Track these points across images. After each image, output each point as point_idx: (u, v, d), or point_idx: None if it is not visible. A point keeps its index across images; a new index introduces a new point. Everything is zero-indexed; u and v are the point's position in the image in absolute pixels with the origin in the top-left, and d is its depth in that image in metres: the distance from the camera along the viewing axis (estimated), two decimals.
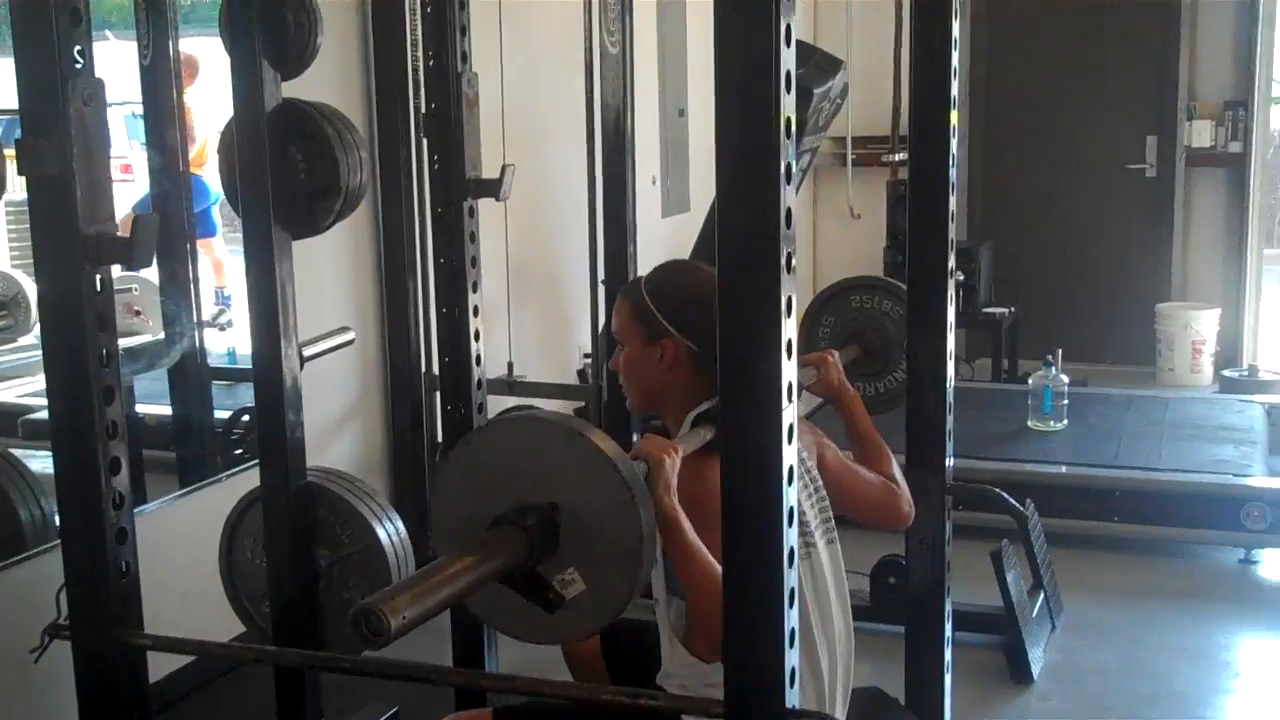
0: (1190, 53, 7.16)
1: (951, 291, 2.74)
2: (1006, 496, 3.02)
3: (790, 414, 1.64)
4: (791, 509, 1.66)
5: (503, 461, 1.79)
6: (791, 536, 1.67)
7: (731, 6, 1.55)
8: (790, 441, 1.64)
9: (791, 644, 1.70)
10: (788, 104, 1.58)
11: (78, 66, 1.99)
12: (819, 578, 2.26)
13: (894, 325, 3.13)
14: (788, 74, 1.58)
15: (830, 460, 2.45)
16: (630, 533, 1.72)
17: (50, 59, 1.96)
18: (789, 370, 1.62)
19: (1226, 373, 6.78)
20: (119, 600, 2.11)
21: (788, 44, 1.58)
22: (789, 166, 1.59)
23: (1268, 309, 7.49)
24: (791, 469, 1.65)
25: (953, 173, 2.69)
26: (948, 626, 2.87)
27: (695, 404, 2.22)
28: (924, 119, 2.71)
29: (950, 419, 2.76)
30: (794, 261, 1.62)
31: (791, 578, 1.68)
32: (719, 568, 1.90)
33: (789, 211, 1.60)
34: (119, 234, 2.03)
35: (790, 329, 1.62)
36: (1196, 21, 7.15)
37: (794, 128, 1.60)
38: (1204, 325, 7.02)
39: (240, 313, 4.20)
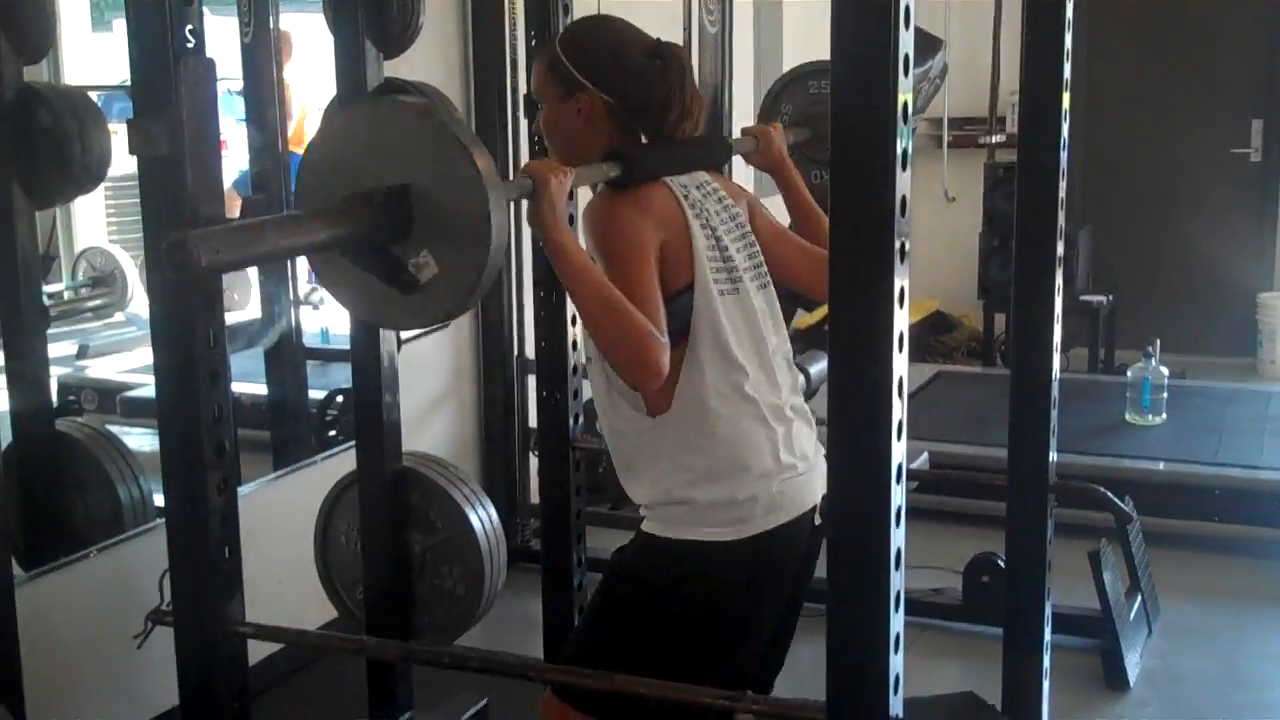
0: None
1: (1060, 281, 2.68)
2: (1111, 496, 2.96)
3: (900, 409, 1.60)
4: (900, 508, 1.63)
5: (362, 144, 1.85)
6: (899, 537, 1.63)
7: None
8: (900, 438, 1.60)
9: (896, 650, 1.67)
10: (905, 87, 1.53)
11: (189, 46, 1.99)
12: (749, 315, 2.24)
13: None
14: (906, 57, 1.53)
15: (763, 225, 2.41)
16: (478, 211, 1.75)
17: (162, 38, 1.97)
18: (900, 363, 1.58)
19: None
20: (222, 587, 2.12)
21: (906, 26, 1.53)
22: (905, 151, 1.55)
23: None
24: (900, 467, 1.62)
25: (1063, 157, 2.64)
26: (1048, 631, 2.82)
27: None
28: (1035, 103, 2.66)
29: (1055, 415, 2.71)
30: (908, 249, 1.57)
31: (898, 580, 1.65)
32: (615, 291, 1.96)
33: (904, 199, 1.55)
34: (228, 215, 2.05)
35: (903, 320, 1.58)
36: None
37: (910, 112, 1.56)
38: None
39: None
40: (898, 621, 1.65)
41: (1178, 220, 7.39)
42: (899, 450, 1.61)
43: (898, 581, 1.64)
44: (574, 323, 2.96)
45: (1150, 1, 7.36)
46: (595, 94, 2.23)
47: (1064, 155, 2.66)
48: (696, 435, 2.14)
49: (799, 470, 2.22)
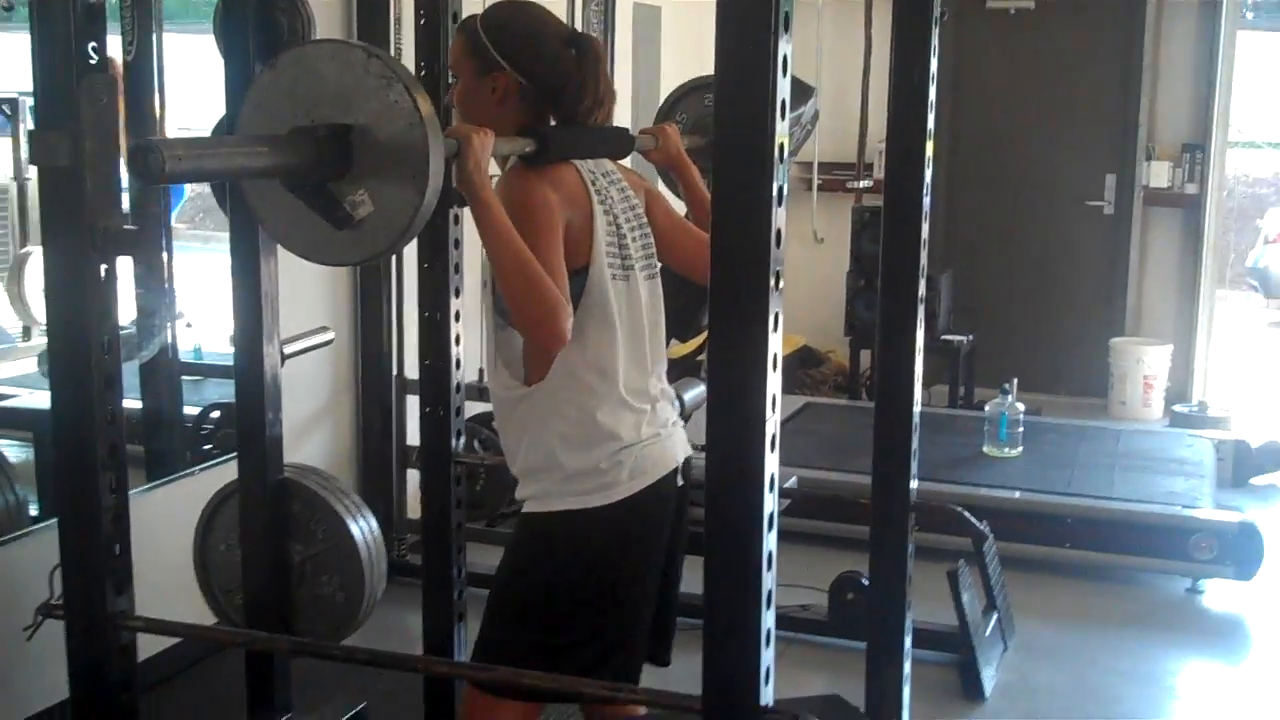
0: (1151, 96, 7.33)
1: (920, 318, 2.83)
2: (969, 516, 3.11)
3: (774, 425, 1.72)
4: (772, 514, 1.74)
5: (308, 83, 1.91)
6: (771, 541, 1.75)
7: (731, 33, 1.63)
8: (773, 450, 1.72)
9: (768, 644, 1.78)
10: (781, 130, 1.66)
11: (92, 62, 2.05)
12: (634, 303, 2.38)
13: None
14: (783, 103, 1.66)
15: (660, 213, 2.55)
16: (417, 155, 1.84)
17: (66, 54, 2.02)
18: (773, 382, 1.69)
19: (1177, 408, 6.93)
20: (113, 582, 2.16)
21: (784, 74, 1.66)
22: (781, 189, 1.67)
23: (1218, 347, 7.67)
24: (773, 477, 1.73)
25: (926, 203, 2.79)
26: (908, 641, 2.95)
27: None
28: (901, 150, 2.80)
29: (915, 441, 2.85)
30: (781, 281, 1.69)
31: (770, 580, 1.76)
32: (531, 255, 2.10)
33: (779, 232, 1.68)
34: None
35: (776, 343, 1.70)
36: (1158, 66, 7.32)
37: (785, 154, 1.68)
38: (1156, 361, 7.16)
39: (198, 312, 4.24)
40: (769, 618, 1.76)
41: (1036, 267, 7.69)
42: (772, 461, 1.72)
43: (769, 581, 1.75)
44: (457, 342, 3.04)
45: (1013, 60, 7.66)
46: (511, 74, 2.33)
47: (927, 200, 2.81)
48: (566, 405, 2.28)
49: (660, 436, 2.37)
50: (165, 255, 4.05)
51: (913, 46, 2.74)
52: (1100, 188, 7.53)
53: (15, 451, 3.66)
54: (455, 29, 2.46)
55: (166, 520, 3.36)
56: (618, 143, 2.51)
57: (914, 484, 2.87)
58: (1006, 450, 5.39)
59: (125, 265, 3.95)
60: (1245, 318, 11.97)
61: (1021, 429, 5.42)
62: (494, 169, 2.27)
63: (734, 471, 1.71)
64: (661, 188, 2.83)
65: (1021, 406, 5.48)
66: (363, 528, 3.02)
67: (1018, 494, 5.00)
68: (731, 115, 1.65)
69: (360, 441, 4.65)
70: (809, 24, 7.15)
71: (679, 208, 2.71)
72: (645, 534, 2.34)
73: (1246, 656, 4.31)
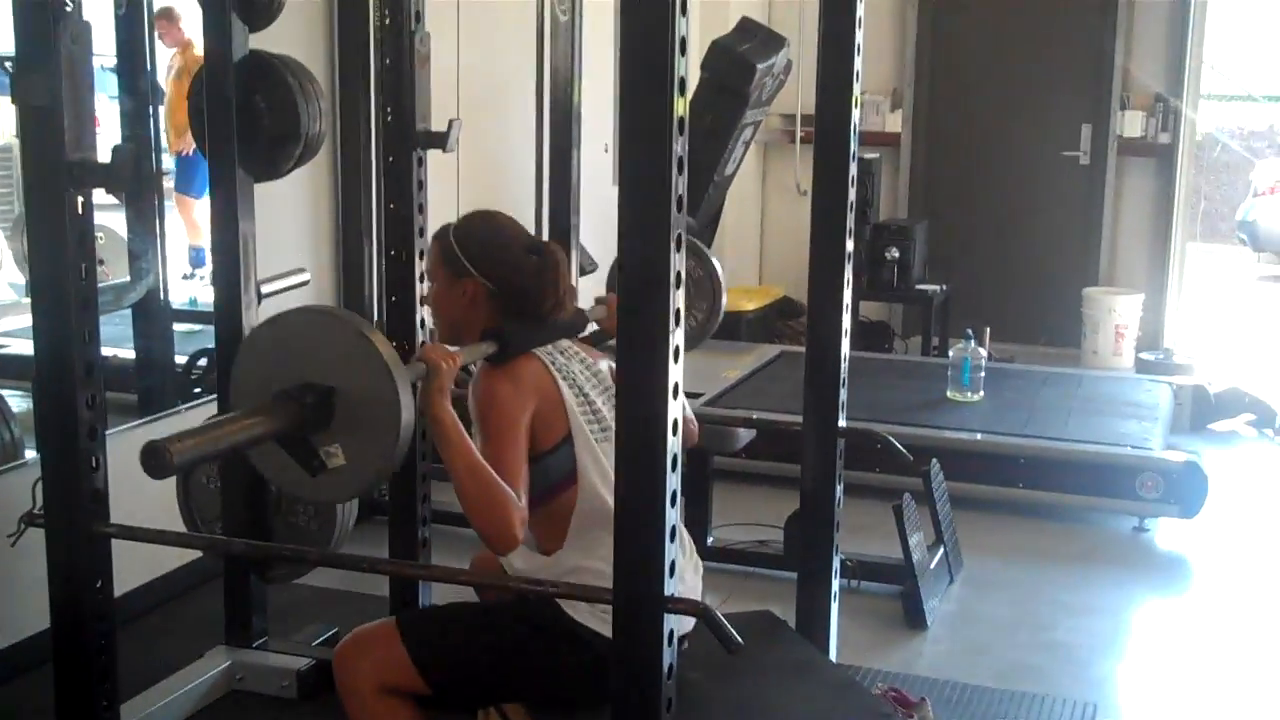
0: (1125, 45, 7.46)
1: (849, 255, 3.01)
2: (894, 442, 3.27)
3: (677, 337, 1.90)
4: (676, 421, 1.93)
5: (297, 345, 2.15)
6: (675, 445, 1.94)
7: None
8: (677, 361, 1.91)
9: (673, 539, 1.97)
10: (680, 104, 1.84)
11: (68, 9, 2.23)
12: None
13: (693, 283, 3.76)
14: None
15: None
16: (390, 427, 2.08)
17: (44, 1, 2.21)
18: (675, 298, 1.88)
19: (1143, 355, 7.12)
20: (89, 492, 2.36)
21: (682, 52, 1.83)
22: (681, 159, 1.85)
23: (1190, 297, 7.85)
24: (676, 385, 1.92)
25: (853, 145, 2.96)
26: (835, 560, 3.13)
27: None
28: (829, 96, 2.98)
29: (844, 369, 3.03)
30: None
31: (674, 481, 1.94)
32: (485, 465, 2.29)
33: (681, 199, 1.87)
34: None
35: (679, 262, 1.89)
36: (1133, 16, 7.45)
37: (685, 124, 1.86)
38: (1127, 310, 7.32)
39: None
40: (673, 515, 1.95)
41: (1012, 217, 7.84)
42: (676, 371, 1.91)
43: (673, 482, 1.94)
44: (421, 279, 3.20)
45: (990, 13, 7.79)
46: (480, 281, 2.57)
47: (854, 144, 2.97)
48: (592, 561, 2.42)
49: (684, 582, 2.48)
50: (155, 204, 4.27)
51: None
52: (1076, 138, 7.66)
53: (16, 401, 3.85)
54: (433, 237, 2.68)
55: None
56: (571, 326, 2.72)
57: (843, 398, 3.04)
58: (969, 395, 5.56)
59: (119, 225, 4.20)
60: (1234, 271, 12.12)
61: (983, 374, 5.59)
62: None
63: (641, 381, 1.90)
64: None
65: (984, 352, 5.66)
66: None
67: (977, 435, 5.17)
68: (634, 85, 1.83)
69: None
70: None
71: None
72: None
73: (1188, 590, 4.49)
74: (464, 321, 2.58)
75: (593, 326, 2.87)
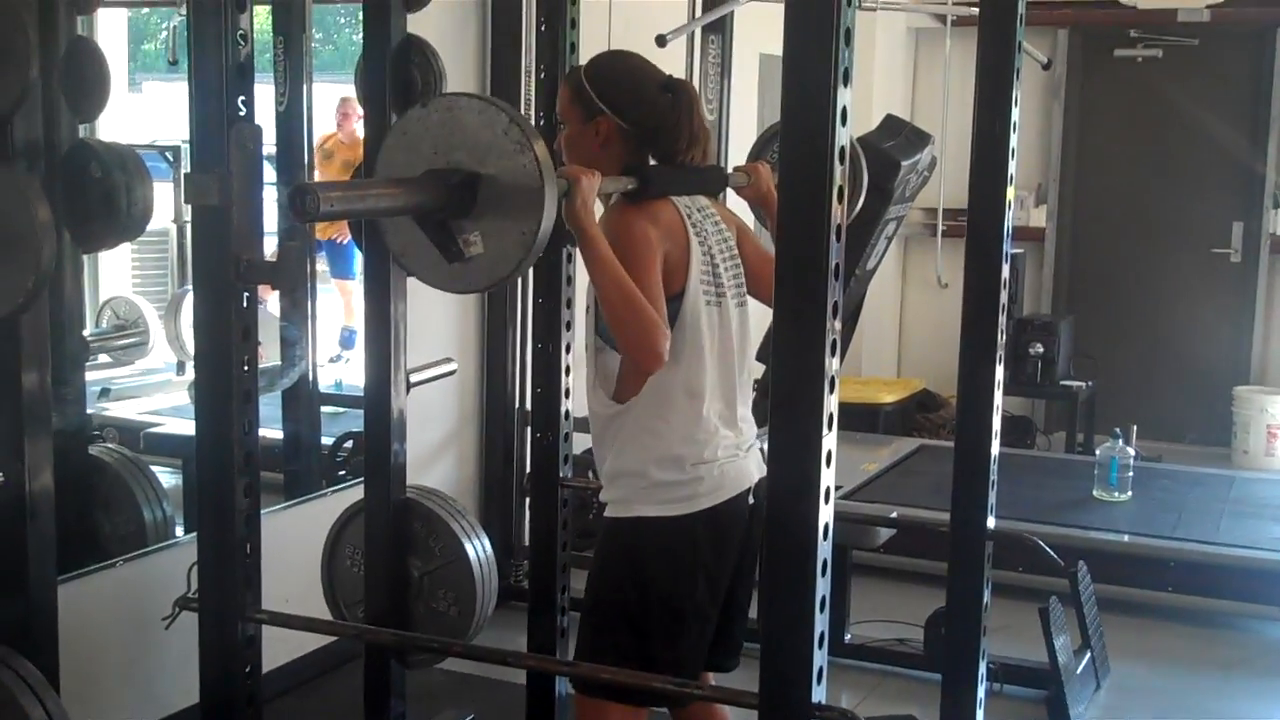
0: (1279, 143, 7.31)
1: (1000, 355, 2.98)
2: (1044, 546, 3.21)
3: (830, 441, 1.90)
4: (828, 525, 1.92)
5: (451, 128, 2.16)
6: (826, 550, 1.92)
7: (794, 84, 1.83)
8: (829, 465, 1.90)
9: (821, 646, 1.95)
10: (840, 174, 1.85)
11: (241, 114, 2.33)
12: (725, 327, 2.59)
13: None
14: (842, 149, 1.85)
15: (749, 248, 2.76)
16: (532, 214, 2.09)
17: (219, 106, 2.31)
18: (830, 402, 1.88)
19: None
20: (244, 578, 2.42)
21: (843, 122, 1.85)
22: (839, 226, 1.86)
23: None
24: (829, 489, 1.91)
25: (1006, 247, 2.93)
26: (982, 665, 3.06)
27: None
28: (983, 197, 2.97)
29: (994, 471, 2.99)
30: (838, 310, 1.88)
31: (824, 586, 1.93)
32: (632, 283, 2.33)
33: (837, 265, 1.87)
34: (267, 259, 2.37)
35: (834, 366, 1.88)
36: None
37: (845, 194, 1.87)
38: None
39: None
40: (822, 621, 1.94)
41: (1159, 313, 7.69)
42: (828, 475, 1.90)
43: (823, 586, 1.93)
44: (567, 372, 3.26)
45: (1139, 107, 7.70)
46: (612, 118, 2.56)
47: (1007, 245, 2.95)
48: (655, 420, 2.49)
49: (738, 456, 2.57)
50: (309, 291, 4.39)
51: (994, 96, 2.91)
52: (1227, 235, 7.51)
53: (166, 477, 3.96)
54: (563, 78, 2.69)
55: (299, 537, 3.61)
56: (713, 180, 2.73)
57: (991, 518, 3.00)
58: (1116, 494, 5.43)
59: (274, 305, 4.33)
60: None
61: (1132, 474, 5.45)
62: (599, 206, 2.51)
63: (793, 482, 1.90)
64: (753, 223, 3.02)
65: (1132, 451, 5.52)
66: (477, 547, 3.25)
67: (1124, 537, 5.03)
68: (795, 159, 1.85)
69: (483, 468, 4.89)
70: (936, 69, 7.26)
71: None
72: (719, 544, 2.53)
73: None
74: (598, 161, 2.52)
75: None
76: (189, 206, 2.43)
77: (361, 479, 3.25)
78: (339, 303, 5.28)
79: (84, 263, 4.04)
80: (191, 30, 2.38)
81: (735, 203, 3.16)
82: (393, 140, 2.24)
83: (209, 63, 2.32)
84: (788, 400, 1.89)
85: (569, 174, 2.34)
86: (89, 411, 4.17)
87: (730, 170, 2.89)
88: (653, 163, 2.61)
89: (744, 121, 5.87)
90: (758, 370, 2.61)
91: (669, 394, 2.49)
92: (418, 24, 3.09)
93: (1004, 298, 2.95)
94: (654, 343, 2.35)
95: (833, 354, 1.88)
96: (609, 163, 2.55)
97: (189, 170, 2.37)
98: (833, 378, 1.88)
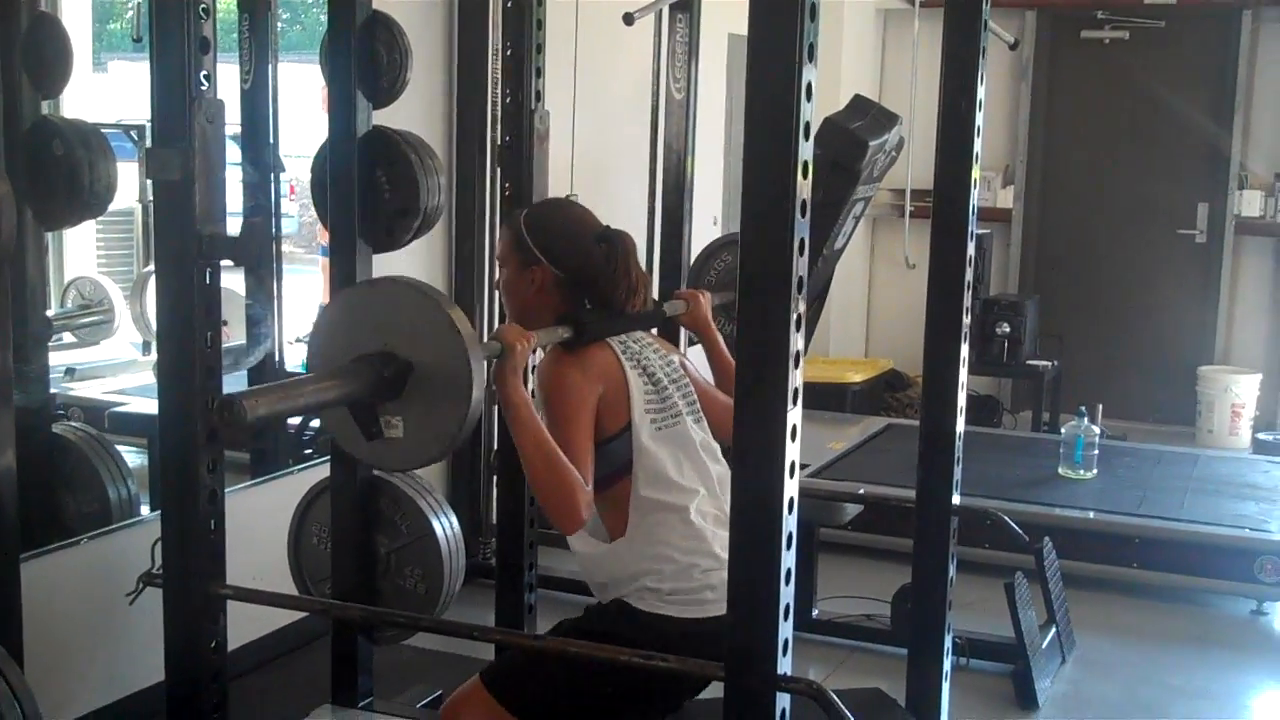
0: (1244, 125, 7.37)
1: (966, 334, 2.99)
2: (1009, 521, 3.24)
3: (795, 416, 1.90)
4: (792, 499, 1.92)
5: (380, 314, 2.21)
6: (791, 523, 1.93)
7: (761, 62, 1.83)
8: (794, 439, 1.90)
9: (786, 618, 1.96)
10: (805, 150, 1.85)
11: (203, 89, 2.31)
12: (688, 444, 2.59)
13: None
14: (807, 124, 1.85)
15: (693, 379, 2.77)
16: (456, 417, 2.14)
17: (181, 81, 2.30)
18: (795, 377, 1.88)
19: (1261, 435, 6.96)
20: (206, 553, 2.41)
21: (808, 98, 1.85)
22: (804, 202, 1.86)
23: None
24: (793, 464, 1.91)
25: (972, 225, 2.95)
26: (948, 640, 3.09)
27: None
28: (949, 175, 2.98)
29: (959, 447, 3.01)
30: (803, 286, 1.88)
31: (789, 559, 1.94)
32: (554, 445, 2.33)
33: (803, 241, 1.87)
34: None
35: (797, 342, 1.89)
36: (1252, 95, 7.37)
37: (810, 170, 1.87)
38: (1244, 389, 7.16)
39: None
40: (788, 593, 1.94)
41: (1125, 294, 7.75)
42: (792, 450, 1.91)
43: (789, 560, 1.93)
44: (534, 353, 3.25)
45: (1106, 88, 7.74)
46: (549, 268, 2.60)
47: (973, 223, 2.97)
48: (652, 548, 2.48)
49: None
50: (274, 270, 4.37)
51: (960, 76, 2.92)
52: (1192, 216, 7.57)
53: (132, 457, 3.93)
54: (503, 224, 2.74)
55: (265, 514, 3.59)
56: (647, 319, 2.75)
57: (956, 495, 3.03)
58: (1081, 472, 5.46)
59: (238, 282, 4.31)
60: None
61: (1097, 452, 5.49)
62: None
63: (758, 456, 1.90)
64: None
65: (1097, 429, 5.56)
66: (444, 524, 3.23)
67: (1090, 514, 5.08)
68: (759, 133, 1.85)
69: None
70: (904, 50, 7.27)
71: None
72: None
73: None
74: (533, 307, 2.60)
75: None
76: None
77: (328, 457, 3.25)
78: (320, 282, 5.24)
79: (49, 243, 4.03)
80: (154, 2, 2.36)
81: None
82: (326, 319, 2.31)
83: (171, 36, 2.30)
84: (753, 375, 1.89)
85: (504, 338, 2.39)
86: (53, 391, 4.16)
87: (671, 298, 2.94)
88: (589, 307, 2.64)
89: (712, 103, 5.88)
90: None
91: (658, 520, 2.49)
92: (383, 0, 3.08)
93: (969, 277, 2.97)
94: (572, 505, 2.35)
95: (797, 329, 1.88)
96: (544, 309, 2.60)
97: (150, 146, 2.35)
98: (798, 353, 1.88)
